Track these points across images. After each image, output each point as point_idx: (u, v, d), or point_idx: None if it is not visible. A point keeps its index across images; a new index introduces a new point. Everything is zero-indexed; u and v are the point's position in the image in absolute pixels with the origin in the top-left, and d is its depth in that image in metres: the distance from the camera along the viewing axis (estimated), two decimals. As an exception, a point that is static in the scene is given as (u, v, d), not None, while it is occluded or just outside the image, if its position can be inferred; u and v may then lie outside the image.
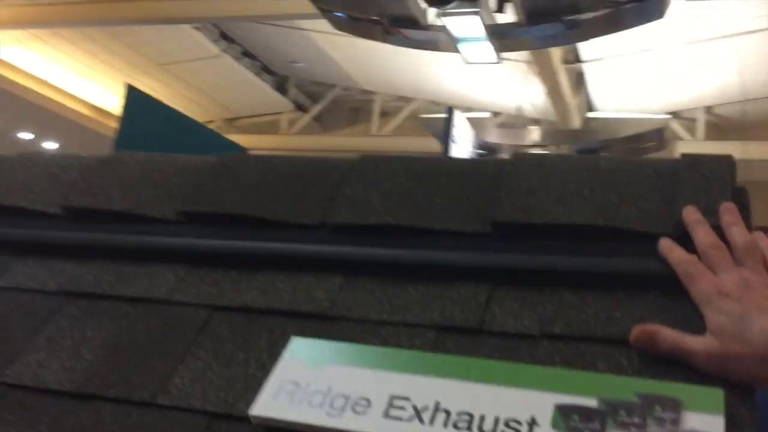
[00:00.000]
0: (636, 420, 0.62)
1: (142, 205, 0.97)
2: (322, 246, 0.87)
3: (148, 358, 0.79)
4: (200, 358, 0.78)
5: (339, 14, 5.27)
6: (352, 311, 0.80)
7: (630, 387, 0.65)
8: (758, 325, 0.63)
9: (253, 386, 0.73)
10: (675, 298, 0.72)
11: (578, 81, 9.30)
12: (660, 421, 0.61)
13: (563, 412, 0.63)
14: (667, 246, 0.73)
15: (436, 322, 0.77)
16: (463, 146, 7.34)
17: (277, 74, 10.52)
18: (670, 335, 0.67)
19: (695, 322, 0.69)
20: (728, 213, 0.74)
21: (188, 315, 0.84)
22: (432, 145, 7.99)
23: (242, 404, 0.71)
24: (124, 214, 0.96)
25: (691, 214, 0.75)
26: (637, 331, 0.68)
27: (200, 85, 9.95)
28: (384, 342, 0.76)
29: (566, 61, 8.66)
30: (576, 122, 8.99)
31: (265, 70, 10.20)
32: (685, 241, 0.75)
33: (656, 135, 8.12)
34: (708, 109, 9.31)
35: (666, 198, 0.80)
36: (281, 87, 10.64)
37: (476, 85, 9.31)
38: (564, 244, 0.80)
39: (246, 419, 0.70)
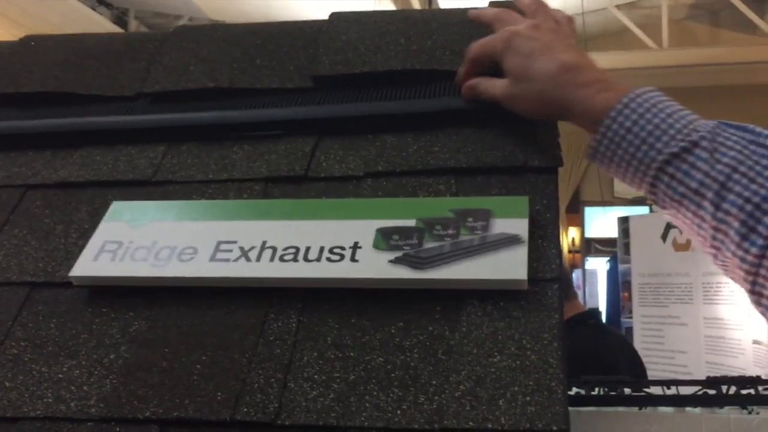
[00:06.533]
0: (450, 231, 0.65)
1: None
2: (141, 116, 0.83)
3: (-44, 241, 0.73)
4: (14, 235, 0.74)
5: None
6: (177, 175, 0.78)
7: (445, 206, 0.69)
8: (538, 64, 0.69)
9: (74, 254, 0.70)
10: (487, 129, 0.76)
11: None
12: (472, 229, 0.65)
13: (384, 233, 0.66)
14: (475, 12, 0.81)
15: (263, 175, 0.77)
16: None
17: (115, 6, 9.78)
18: (485, 86, 0.74)
19: (506, 149, 0.74)
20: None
21: (-1, 197, 0.78)
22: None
23: (64, 271, 0.69)
24: None
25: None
26: (464, 88, 0.76)
27: (29, 23, 9.02)
28: (211, 198, 0.75)
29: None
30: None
31: (100, 2, 9.44)
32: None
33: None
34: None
35: (477, 39, 0.82)
36: (121, 20, 9.91)
37: (327, 5, 9.14)
38: (385, 91, 0.81)
39: (69, 284, 0.67)
